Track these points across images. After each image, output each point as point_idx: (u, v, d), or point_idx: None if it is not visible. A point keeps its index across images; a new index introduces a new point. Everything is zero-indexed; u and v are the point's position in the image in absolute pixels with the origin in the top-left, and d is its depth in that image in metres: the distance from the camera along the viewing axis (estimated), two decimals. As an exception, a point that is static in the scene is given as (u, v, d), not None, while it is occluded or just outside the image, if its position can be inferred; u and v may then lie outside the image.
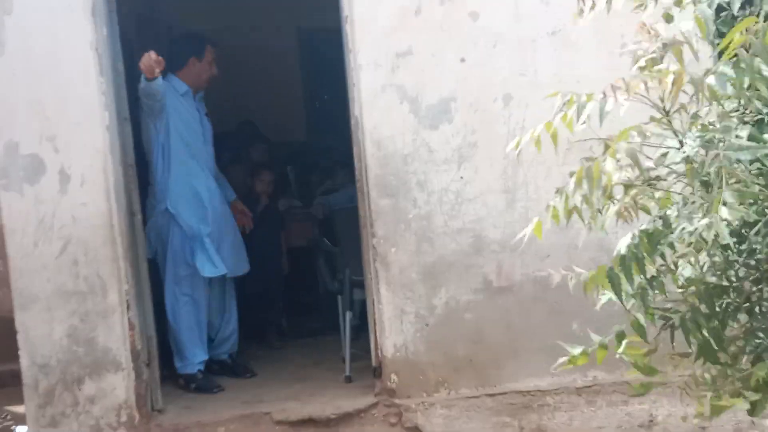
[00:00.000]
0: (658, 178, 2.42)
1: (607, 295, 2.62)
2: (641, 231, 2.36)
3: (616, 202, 2.42)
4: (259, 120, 7.54)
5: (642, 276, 2.42)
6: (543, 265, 4.48)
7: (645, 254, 2.40)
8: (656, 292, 2.51)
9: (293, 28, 8.34)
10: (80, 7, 4.41)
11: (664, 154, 2.40)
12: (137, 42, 6.28)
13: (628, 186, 2.38)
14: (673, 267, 2.47)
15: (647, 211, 2.47)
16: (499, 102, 4.48)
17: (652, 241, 2.37)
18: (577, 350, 2.76)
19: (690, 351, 2.64)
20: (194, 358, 5.24)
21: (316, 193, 7.05)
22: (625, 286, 2.49)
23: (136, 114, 5.01)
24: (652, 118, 2.44)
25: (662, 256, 2.42)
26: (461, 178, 4.50)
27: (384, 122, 4.47)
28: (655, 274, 2.48)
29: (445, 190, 4.50)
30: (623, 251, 2.41)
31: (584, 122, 2.35)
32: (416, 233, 4.50)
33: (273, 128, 7.57)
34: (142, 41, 6.47)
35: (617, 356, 2.70)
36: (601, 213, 2.47)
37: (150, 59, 4.70)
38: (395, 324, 4.53)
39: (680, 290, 2.55)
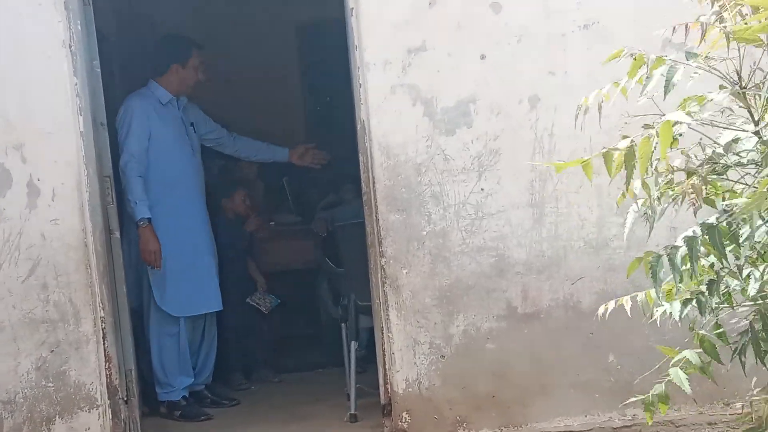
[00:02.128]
0: (725, 166, 2.39)
1: (663, 308, 2.60)
2: (702, 224, 2.33)
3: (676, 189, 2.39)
4: (251, 124, 7.51)
5: (695, 275, 2.40)
6: (575, 290, 4.51)
7: (703, 250, 2.38)
8: (719, 300, 2.47)
9: (291, 22, 8.32)
10: (50, 1, 4.42)
11: (736, 140, 2.38)
12: (117, 38, 6.31)
13: (690, 173, 2.38)
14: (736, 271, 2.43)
15: (712, 205, 2.45)
16: (525, 104, 4.48)
17: (713, 237, 2.33)
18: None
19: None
20: (179, 383, 5.39)
21: (317, 207, 7.03)
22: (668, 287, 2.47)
23: (112, 119, 5.05)
24: (722, 87, 2.36)
25: (727, 258, 2.39)
26: (482, 190, 4.49)
27: (394, 127, 4.47)
28: (714, 277, 2.46)
29: (463, 203, 4.49)
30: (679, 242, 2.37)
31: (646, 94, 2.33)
32: (431, 252, 4.50)
33: (267, 134, 7.50)
34: (123, 38, 6.51)
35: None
36: (659, 201, 2.43)
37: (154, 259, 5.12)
38: (407, 355, 4.51)
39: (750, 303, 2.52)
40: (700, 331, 2.67)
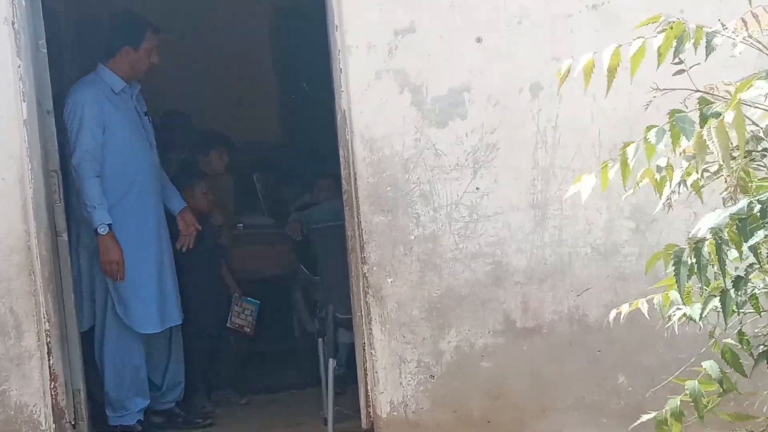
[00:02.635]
0: (765, 150, 2.42)
1: (682, 311, 2.63)
2: (732, 214, 2.33)
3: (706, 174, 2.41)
4: (220, 115, 7.50)
5: (721, 270, 2.39)
6: (580, 301, 4.51)
7: (730, 244, 2.38)
8: (745, 300, 2.48)
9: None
10: (-9, -29, 4.39)
11: None
12: (65, 15, 6.26)
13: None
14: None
15: (747, 193, 2.44)
16: (526, 93, 4.47)
17: (743, 228, 2.33)
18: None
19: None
20: (134, 406, 5.33)
21: (291, 208, 7.01)
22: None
23: (60, 106, 5.00)
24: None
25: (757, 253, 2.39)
26: (477, 189, 4.48)
27: (379, 118, 4.45)
28: (742, 275, 2.46)
29: (456, 204, 4.47)
30: (703, 232, 2.36)
31: (680, 64, 2.34)
32: (419, 259, 4.48)
33: (237, 126, 7.54)
34: (72, 14, 6.46)
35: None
36: (686, 186, 2.43)
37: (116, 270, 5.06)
38: (392, 375, 4.50)
39: None
40: (723, 340, 2.70)
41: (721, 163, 2.24)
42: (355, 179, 4.46)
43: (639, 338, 4.37)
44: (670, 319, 2.73)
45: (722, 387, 2.73)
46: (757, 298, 2.62)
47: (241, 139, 7.24)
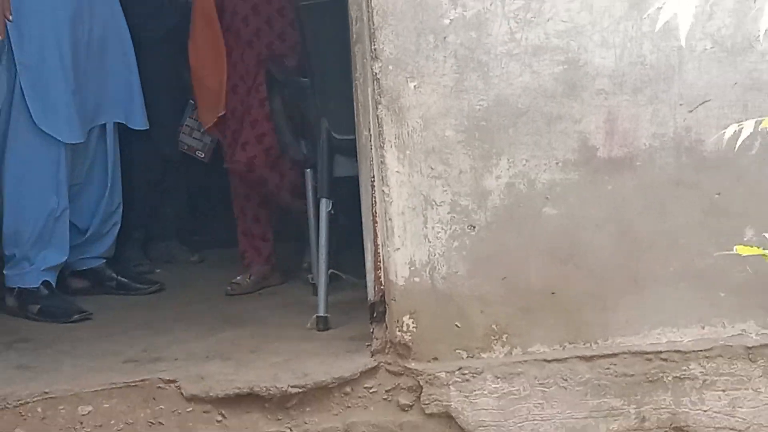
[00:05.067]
0: None
1: None
2: None
3: None
4: None
5: None
6: (694, 120, 4.51)
7: None
8: None
9: None
10: None
11: None
12: None
13: None
14: None
15: None
16: None
17: None
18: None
19: None
20: (40, 261, 5.51)
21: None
22: None
23: None
24: None
25: None
26: (546, -50, 4.49)
27: None
28: None
29: (513, -27, 4.49)
30: None
31: None
32: (456, 54, 4.46)
33: None
34: None
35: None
36: None
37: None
38: (414, 223, 4.51)
39: None
40: None
41: None
42: (365, -65, 4.46)
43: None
44: None
45: None
46: None
47: None
